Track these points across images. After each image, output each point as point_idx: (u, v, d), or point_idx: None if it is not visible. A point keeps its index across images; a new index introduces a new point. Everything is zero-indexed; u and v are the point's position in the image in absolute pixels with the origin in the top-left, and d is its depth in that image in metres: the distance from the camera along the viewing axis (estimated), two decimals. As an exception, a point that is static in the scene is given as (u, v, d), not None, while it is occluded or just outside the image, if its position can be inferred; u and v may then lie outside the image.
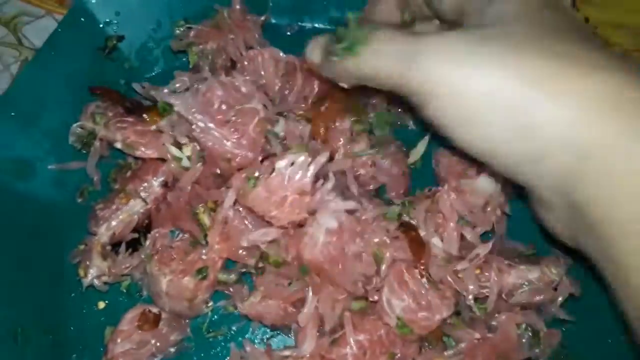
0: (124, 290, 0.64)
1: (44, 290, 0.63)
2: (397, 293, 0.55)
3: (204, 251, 0.60)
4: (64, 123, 0.66)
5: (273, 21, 0.75)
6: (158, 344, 0.60)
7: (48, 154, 0.66)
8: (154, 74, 0.74)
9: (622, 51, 0.79)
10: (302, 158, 0.54)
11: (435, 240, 0.58)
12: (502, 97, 0.36)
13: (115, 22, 0.70)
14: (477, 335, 0.58)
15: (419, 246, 0.56)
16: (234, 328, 0.63)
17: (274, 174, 0.54)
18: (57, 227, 0.65)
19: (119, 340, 0.59)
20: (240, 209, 0.58)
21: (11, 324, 0.59)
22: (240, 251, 0.59)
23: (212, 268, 0.59)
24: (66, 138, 0.66)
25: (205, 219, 0.59)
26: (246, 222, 0.58)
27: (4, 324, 0.58)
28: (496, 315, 0.59)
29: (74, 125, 0.66)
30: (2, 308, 0.58)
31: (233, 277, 0.61)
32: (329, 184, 0.54)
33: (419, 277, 0.56)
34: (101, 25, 0.69)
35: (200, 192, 0.60)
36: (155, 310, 0.60)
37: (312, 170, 0.54)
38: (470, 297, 0.57)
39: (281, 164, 0.54)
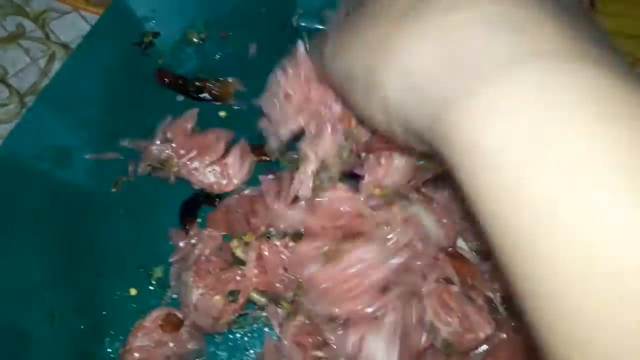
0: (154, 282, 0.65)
1: (80, 274, 0.64)
2: (442, 317, 0.54)
3: (239, 272, 0.60)
4: (100, 114, 0.68)
5: (303, 24, 0.77)
6: (175, 348, 0.61)
7: (85, 144, 0.67)
8: (185, 70, 0.75)
9: (633, 60, 0.83)
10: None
11: (461, 244, 0.59)
12: None
13: (152, 18, 0.72)
14: (504, 336, 0.57)
15: (460, 261, 0.57)
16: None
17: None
18: (93, 214, 0.66)
19: (139, 335, 0.60)
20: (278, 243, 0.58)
21: (49, 306, 0.60)
22: (277, 284, 0.58)
23: (243, 292, 0.59)
24: (102, 128, 0.68)
25: (240, 253, 0.60)
26: (283, 257, 0.58)
27: (42, 306, 0.59)
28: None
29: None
30: (41, 291, 0.59)
31: (264, 300, 0.61)
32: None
33: (461, 296, 0.55)
34: (138, 21, 0.71)
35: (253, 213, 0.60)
36: (180, 315, 0.61)
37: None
38: (498, 295, 0.57)
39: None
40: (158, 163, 0.66)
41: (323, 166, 0.52)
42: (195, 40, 0.75)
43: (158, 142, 0.66)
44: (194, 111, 0.68)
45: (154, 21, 0.72)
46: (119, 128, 0.69)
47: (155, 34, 0.72)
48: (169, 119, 0.67)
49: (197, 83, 0.71)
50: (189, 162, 0.65)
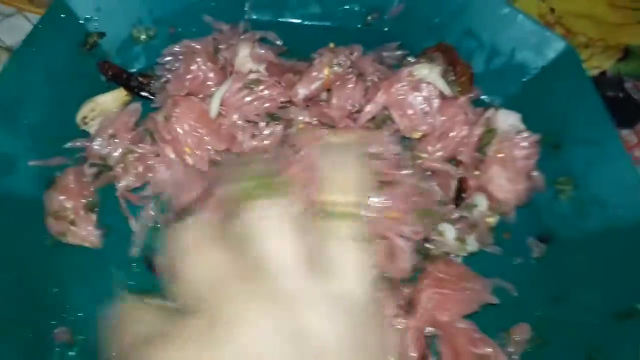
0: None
1: (25, 286, 0.61)
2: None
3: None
4: (44, 119, 0.66)
5: (254, 17, 0.76)
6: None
7: (29, 150, 0.65)
8: (134, 70, 0.73)
9: (586, 40, 0.83)
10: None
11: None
12: None
13: (96, 18, 0.70)
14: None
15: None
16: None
17: None
18: (37, 222, 0.64)
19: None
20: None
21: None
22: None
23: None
24: (47, 134, 0.66)
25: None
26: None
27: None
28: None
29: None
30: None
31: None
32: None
33: None
34: (81, 22, 0.69)
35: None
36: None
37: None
38: None
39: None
40: (100, 160, 0.65)
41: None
42: (143, 38, 0.73)
43: (99, 139, 0.65)
44: (137, 106, 0.67)
45: (98, 21, 0.70)
46: (65, 132, 0.67)
47: (101, 34, 0.70)
48: (110, 114, 0.65)
49: (141, 79, 0.69)
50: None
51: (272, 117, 0.67)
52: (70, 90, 0.68)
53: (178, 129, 0.63)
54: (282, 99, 0.67)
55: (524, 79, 0.75)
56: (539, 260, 0.70)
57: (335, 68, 0.68)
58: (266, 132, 0.67)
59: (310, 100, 0.70)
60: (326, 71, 0.68)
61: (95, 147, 0.65)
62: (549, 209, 0.71)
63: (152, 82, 0.70)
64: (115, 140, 0.65)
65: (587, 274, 0.66)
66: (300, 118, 0.67)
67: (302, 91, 0.68)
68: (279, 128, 0.67)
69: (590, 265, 0.66)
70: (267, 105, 0.67)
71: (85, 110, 0.68)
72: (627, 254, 0.63)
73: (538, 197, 0.71)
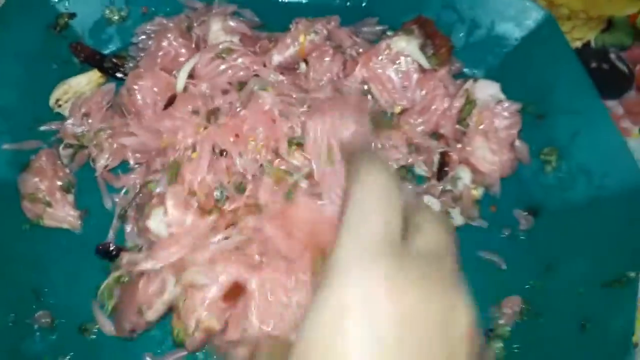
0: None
1: (4, 270, 0.60)
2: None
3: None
4: (17, 102, 0.65)
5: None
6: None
7: (2, 133, 0.64)
8: (108, 51, 0.72)
9: (569, 12, 0.82)
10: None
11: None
12: None
13: (67, -1, 0.68)
14: None
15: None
16: None
17: None
18: (14, 207, 0.63)
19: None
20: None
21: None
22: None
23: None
24: (20, 118, 0.64)
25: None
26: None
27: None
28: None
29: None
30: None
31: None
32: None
33: None
34: (52, 3, 0.68)
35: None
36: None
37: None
38: None
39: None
40: (75, 140, 0.63)
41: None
42: (115, 18, 0.72)
43: (72, 119, 0.64)
44: (110, 86, 0.66)
45: (68, 1, 0.69)
46: (39, 115, 0.66)
47: (71, 15, 0.69)
48: (84, 95, 0.64)
49: (115, 60, 0.68)
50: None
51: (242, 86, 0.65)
52: (43, 72, 0.67)
53: (140, 101, 0.62)
54: (255, 67, 0.66)
55: (505, 50, 0.74)
56: (527, 232, 0.69)
57: (312, 36, 0.67)
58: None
59: (285, 69, 0.68)
60: (301, 38, 0.66)
61: (69, 126, 0.64)
62: (535, 180, 0.70)
63: (126, 63, 0.69)
64: (89, 120, 0.63)
65: (576, 244, 0.65)
66: (272, 78, 0.65)
67: (276, 57, 0.67)
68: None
69: (578, 235, 0.65)
70: (241, 73, 0.66)
71: (58, 92, 0.67)
72: (614, 221, 0.62)
73: (523, 168, 0.70)
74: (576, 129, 0.67)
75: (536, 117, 0.70)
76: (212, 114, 0.61)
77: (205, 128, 0.59)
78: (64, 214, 0.62)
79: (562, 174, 0.68)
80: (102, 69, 0.69)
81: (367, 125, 0.59)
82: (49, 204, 0.62)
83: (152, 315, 0.54)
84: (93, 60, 0.69)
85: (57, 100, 0.66)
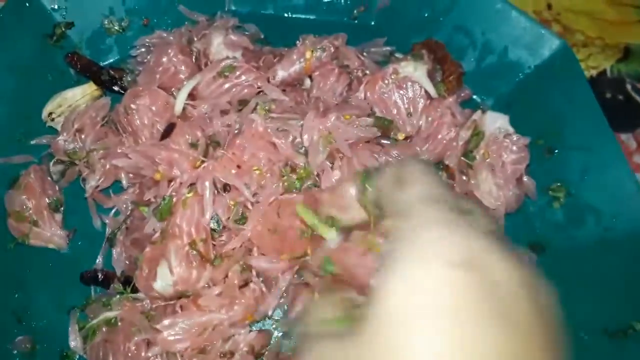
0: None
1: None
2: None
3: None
4: (8, 115, 0.62)
5: (233, 8, 0.72)
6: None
7: (-7, 147, 0.62)
8: (106, 63, 0.70)
9: (584, 39, 0.79)
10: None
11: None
12: None
13: (64, 7, 0.66)
14: None
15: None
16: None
17: None
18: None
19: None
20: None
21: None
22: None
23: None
24: (10, 131, 0.62)
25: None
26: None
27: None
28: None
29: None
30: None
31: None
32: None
33: None
34: (48, 11, 0.66)
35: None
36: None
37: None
38: None
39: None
40: (66, 156, 0.61)
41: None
42: (115, 29, 0.69)
43: (65, 134, 0.61)
44: (105, 100, 0.64)
45: (66, 10, 0.66)
46: (31, 129, 0.64)
47: (69, 24, 0.67)
48: (78, 109, 0.62)
49: (112, 72, 0.66)
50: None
51: (243, 104, 0.63)
52: (36, 84, 0.65)
53: (137, 122, 0.60)
54: (259, 83, 0.63)
55: (517, 79, 0.71)
56: (530, 270, 0.66)
57: (319, 53, 0.64)
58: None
59: (289, 85, 0.66)
60: (308, 54, 0.64)
61: (61, 142, 0.62)
62: (542, 217, 0.67)
63: (124, 76, 0.66)
64: (82, 136, 0.61)
65: (580, 287, 0.61)
66: (275, 96, 0.63)
67: (281, 73, 0.65)
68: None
69: (583, 277, 0.62)
70: (245, 92, 0.63)
71: (52, 105, 0.64)
72: (623, 267, 0.60)
73: (530, 203, 0.67)
74: (587, 166, 0.64)
75: (546, 151, 0.67)
76: (210, 145, 0.59)
77: (203, 162, 0.57)
78: (50, 234, 0.60)
79: (570, 211, 0.65)
80: (98, 82, 0.66)
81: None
82: (35, 223, 0.60)
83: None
84: (89, 71, 0.66)
85: (50, 113, 0.64)
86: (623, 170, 0.62)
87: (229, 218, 0.56)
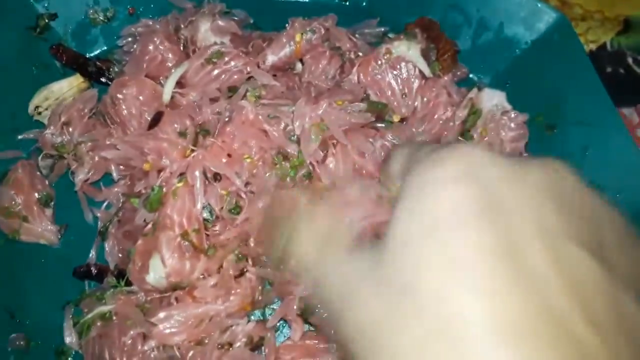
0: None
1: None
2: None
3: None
4: (-6, 108, 0.61)
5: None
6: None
7: (-22, 141, 0.60)
8: (92, 55, 0.68)
9: (583, 12, 0.77)
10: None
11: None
12: None
13: (47, -2, 0.65)
14: None
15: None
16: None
17: None
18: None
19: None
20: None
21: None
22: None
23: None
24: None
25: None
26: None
27: None
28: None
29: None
30: None
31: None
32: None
33: None
34: (31, 2, 0.64)
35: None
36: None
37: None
38: None
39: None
40: (54, 150, 0.60)
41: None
42: (100, 19, 0.68)
43: (52, 128, 0.60)
44: (93, 92, 0.62)
45: (49, 1, 0.65)
46: (19, 122, 0.63)
47: (52, 16, 0.65)
48: (65, 102, 0.61)
49: (99, 64, 0.64)
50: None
51: (232, 91, 0.61)
52: (21, 78, 0.63)
53: (124, 112, 0.58)
54: (248, 68, 0.62)
55: (514, 55, 0.69)
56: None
57: (309, 35, 0.63)
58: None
59: (280, 70, 0.65)
60: (298, 37, 0.62)
61: (48, 136, 0.60)
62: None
63: (111, 67, 0.65)
64: (69, 129, 0.60)
65: None
66: (265, 82, 0.61)
67: (270, 57, 0.63)
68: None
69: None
70: (234, 78, 0.62)
71: (38, 99, 0.63)
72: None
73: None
74: (589, 142, 0.63)
75: (546, 127, 0.65)
76: (200, 134, 0.58)
77: (192, 151, 0.55)
78: (41, 229, 0.59)
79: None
80: (85, 73, 0.65)
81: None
82: (25, 219, 0.59)
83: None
84: (75, 63, 0.65)
85: (37, 107, 0.63)
86: (626, 144, 0.60)
87: (222, 208, 0.55)
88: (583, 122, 0.63)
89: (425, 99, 0.63)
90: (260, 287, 0.56)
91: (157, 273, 0.52)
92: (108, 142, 0.59)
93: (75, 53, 0.65)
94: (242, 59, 0.62)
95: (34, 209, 0.59)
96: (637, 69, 0.76)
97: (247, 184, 0.55)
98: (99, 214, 0.61)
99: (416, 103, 0.63)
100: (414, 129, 0.64)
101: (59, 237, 0.61)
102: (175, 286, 0.53)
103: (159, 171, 0.56)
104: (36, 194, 0.60)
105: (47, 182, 0.61)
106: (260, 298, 0.56)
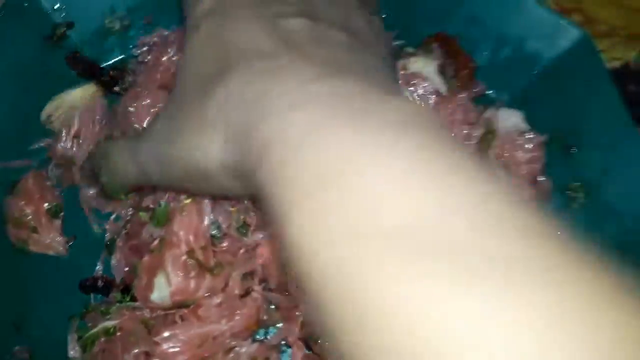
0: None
1: None
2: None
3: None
4: (6, 118, 0.61)
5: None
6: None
7: (-9, 152, 0.61)
8: (108, 63, 0.68)
9: (607, 29, 0.74)
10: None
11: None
12: None
13: (64, 7, 0.64)
14: None
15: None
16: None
17: None
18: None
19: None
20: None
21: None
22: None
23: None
24: (8, 134, 0.61)
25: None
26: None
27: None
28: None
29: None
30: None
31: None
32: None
33: None
34: (48, 12, 0.64)
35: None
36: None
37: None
38: None
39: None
40: (66, 162, 0.60)
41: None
42: (116, 28, 0.68)
43: (63, 139, 0.60)
44: (103, 102, 0.63)
45: (66, 10, 0.65)
46: (30, 132, 0.63)
47: (69, 25, 0.65)
48: (77, 112, 0.61)
49: (113, 73, 0.64)
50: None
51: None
52: (35, 86, 0.63)
53: (135, 125, 0.58)
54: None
55: (534, 72, 0.67)
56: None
57: None
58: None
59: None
60: None
61: (60, 148, 0.60)
62: (559, 218, 0.64)
63: (126, 76, 0.65)
64: (80, 140, 0.60)
65: None
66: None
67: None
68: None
69: (603, 282, 0.59)
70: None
71: (50, 108, 0.63)
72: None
73: (547, 204, 0.64)
74: (608, 165, 0.61)
75: (564, 148, 0.63)
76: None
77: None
78: (49, 240, 0.59)
79: (590, 212, 0.62)
80: (99, 83, 0.65)
81: None
82: (34, 229, 0.59)
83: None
84: (90, 73, 0.65)
85: (49, 116, 0.63)
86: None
87: (229, 225, 0.55)
88: (603, 144, 0.61)
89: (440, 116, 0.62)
90: (265, 307, 0.55)
91: (161, 292, 0.51)
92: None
93: (90, 62, 0.65)
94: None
95: (42, 220, 0.60)
96: (661, 88, 0.74)
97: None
98: (107, 226, 0.61)
99: (430, 121, 0.62)
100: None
101: (67, 248, 0.61)
102: (180, 304, 0.53)
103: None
104: (46, 205, 0.60)
105: (56, 193, 0.62)
106: (265, 318, 0.55)
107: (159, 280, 0.52)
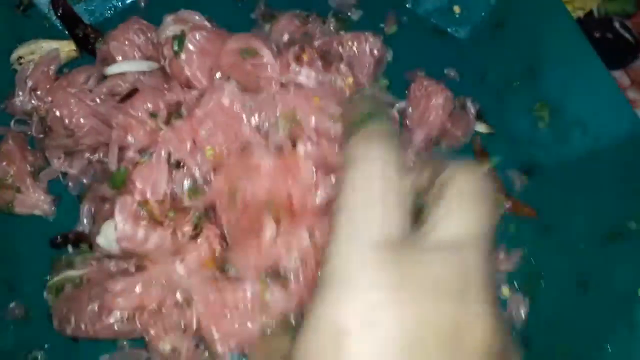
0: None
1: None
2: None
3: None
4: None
5: None
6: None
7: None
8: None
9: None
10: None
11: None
12: None
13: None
14: None
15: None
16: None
17: None
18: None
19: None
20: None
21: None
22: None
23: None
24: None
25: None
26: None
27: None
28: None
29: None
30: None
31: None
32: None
33: None
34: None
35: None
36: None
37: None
38: None
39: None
40: (25, 116, 0.60)
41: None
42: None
43: (21, 94, 0.59)
44: (55, 52, 0.62)
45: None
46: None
47: (33, -7, 0.65)
48: (29, 67, 0.60)
49: (89, 30, 0.64)
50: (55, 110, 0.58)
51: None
52: (7, 56, 0.63)
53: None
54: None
55: (492, 2, 0.70)
56: (523, 192, 0.66)
57: None
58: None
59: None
60: None
61: (17, 103, 0.60)
62: (528, 138, 0.67)
63: (100, 37, 0.63)
64: (37, 93, 0.60)
65: (573, 200, 0.62)
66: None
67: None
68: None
69: (576, 190, 0.62)
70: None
71: (23, 50, 0.62)
72: (612, 172, 0.60)
73: (516, 127, 0.67)
74: (568, 81, 0.64)
75: (527, 71, 0.66)
76: (173, 116, 0.56)
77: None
78: (35, 200, 0.59)
79: (556, 129, 0.65)
80: (73, 35, 0.64)
81: None
82: (18, 190, 0.59)
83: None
84: (68, 20, 0.64)
85: (20, 57, 0.62)
86: (603, 78, 0.61)
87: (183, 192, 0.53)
88: (562, 62, 0.64)
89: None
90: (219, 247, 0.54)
91: (108, 237, 0.51)
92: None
93: (72, 10, 0.65)
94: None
95: (26, 180, 0.59)
96: (624, 32, 0.77)
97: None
98: (70, 183, 0.61)
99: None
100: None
101: (53, 207, 0.61)
102: (131, 254, 0.52)
103: (122, 148, 0.55)
104: (28, 166, 0.60)
105: (38, 154, 0.61)
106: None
107: (108, 226, 0.51)
